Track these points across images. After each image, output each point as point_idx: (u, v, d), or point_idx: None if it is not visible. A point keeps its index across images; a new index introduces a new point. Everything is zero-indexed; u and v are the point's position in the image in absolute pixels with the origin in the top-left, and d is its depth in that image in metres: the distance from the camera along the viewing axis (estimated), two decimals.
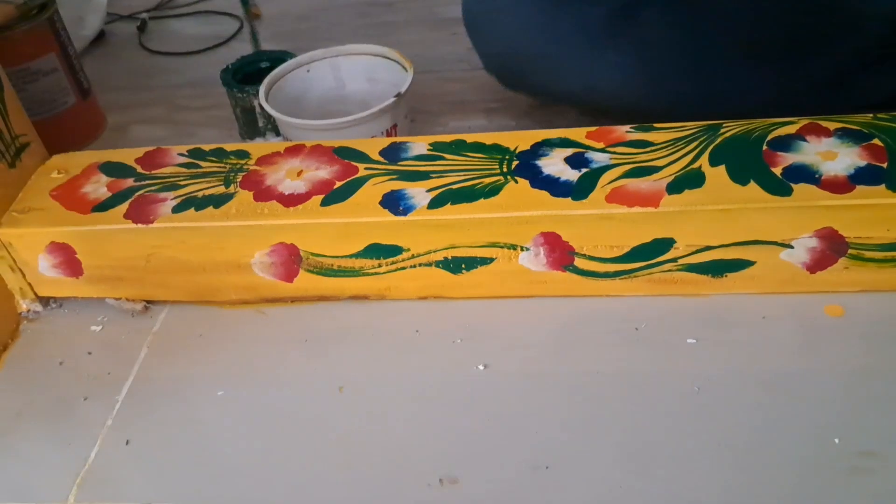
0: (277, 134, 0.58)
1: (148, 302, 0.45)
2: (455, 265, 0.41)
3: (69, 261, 0.43)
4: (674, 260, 0.39)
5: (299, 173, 0.42)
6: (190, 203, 0.41)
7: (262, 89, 0.54)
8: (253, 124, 0.59)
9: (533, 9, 0.50)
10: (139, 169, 0.44)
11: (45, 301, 0.46)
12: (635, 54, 0.48)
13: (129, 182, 0.43)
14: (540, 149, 0.42)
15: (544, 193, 0.39)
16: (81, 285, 0.44)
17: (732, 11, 0.46)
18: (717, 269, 0.39)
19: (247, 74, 0.61)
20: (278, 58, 0.60)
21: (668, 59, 0.47)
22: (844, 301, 0.40)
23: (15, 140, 0.45)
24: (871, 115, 0.41)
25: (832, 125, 0.41)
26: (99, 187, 0.44)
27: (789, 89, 0.42)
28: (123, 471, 0.36)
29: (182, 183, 0.43)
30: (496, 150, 0.42)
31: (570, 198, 0.38)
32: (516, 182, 0.40)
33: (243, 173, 0.43)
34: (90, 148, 0.64)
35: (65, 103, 0.62)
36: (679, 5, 0.47)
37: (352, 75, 0.59)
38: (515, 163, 0.41)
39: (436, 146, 0.43)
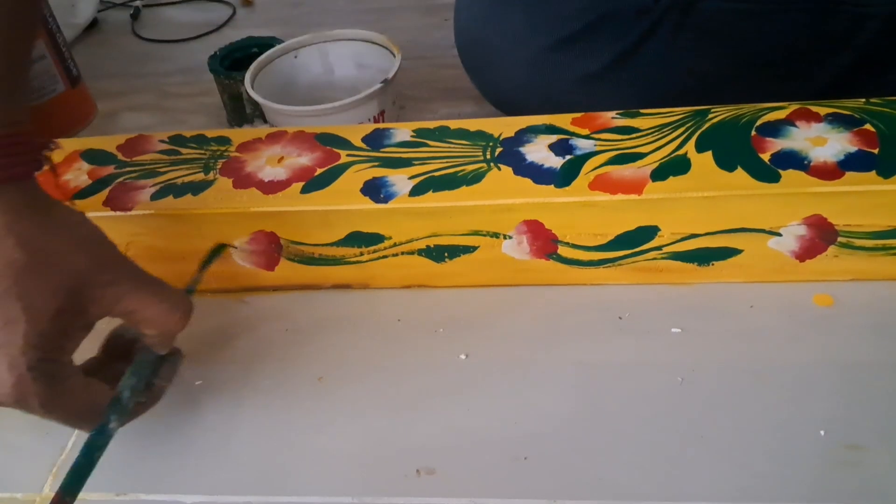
0: (265, 121, 0.57)
1: None
2: (438, 253, 0.40)
3: None
4: (658, 248, 0.38)
5: (280, 160, 0.42)
6: (169, 190, 0.41)
7: (247, 76, 0.54)
8: (240, 111, 0.59)
9: (530, 60, 0.50)
10: (120, 156, 0.44)
11: None
12: (634, 90, 0.48)
13: (110, 169, 0.43)
14: (524, 135, 0.41)
15: (527, 181, 0.38)
16: None
17: (735, 35, 0.46)
18: (703, 257, 0.39)
19: (236, 60, 0.60)
20: (267, 43, 0.60)
21: (668, 88, 0.47)
22: (834, 290, 0.39)
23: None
24: (863, 99, 0.40)
25: (823, 110, 0.40)
26: (80, 175, 0.43)
27: (792, 97, 0.42)
28: (100, 460, 0.36)
29: (162, 170, 0.42)
30: (480, 137, 0.41)
31: (553, 185, 0.38)
32: (499, 169, 0.39)
33: (223, 160, 0.42)
34: (80, 135, 0.64)
35: (53, 91, 0.61)
36: (680, 39, 0.46)
37: (340, 61, 0.58)
38: (499, 150, 0.40)
39: (419, 133, 0.43)
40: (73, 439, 0.37)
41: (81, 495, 0.35)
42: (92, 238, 0.32)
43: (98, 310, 0.31)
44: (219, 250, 0.41)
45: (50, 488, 0.35)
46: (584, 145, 0.40)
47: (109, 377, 0.33)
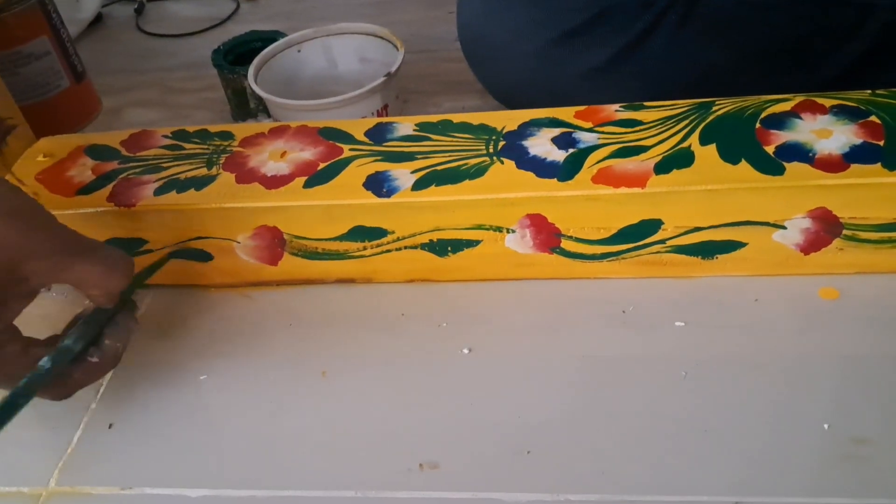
0: (269, 115, 0.57)
1: None
2: (441, 248, 0.40)
3: None
4: (662, 241, 0.38)
5: (283, 154, 0.42)
6: (172, 185, 0.41)
7: (251, 70, 0.53)
8: (244, 106, 0.59)
9: (534, 54, 0.50)
10: (124, 152, 0.44)
11: None
12: (639, 83, 0.48)
13: (114, 165, 0.43)
14: (527, 129, 0.41)
15: (530, 174, 0.38)
16: None
17: (740, 27, 0.46)
18: (708, 250, 0.38)
19: (239, 55, 0.60)
20: (271, 38, 0.60)
21: (673, 80, 0.46)
22: (839, 283, 0.39)
23: (1, 123, 0.45)
24: (869, 91, 0.40)
25: (828, 102, 0.39)
26: (84, 170, 0.43)
27: (798, 89, 0.42)
28: (106, 455, 0.36)
29: (165, 165, 0.42)
30: (483, 131, 0.41)
31: (555, 179, 0.38)
32: (502, 163, 0.39)
33: (226, 155, 0.42)
34: (85, 131, 0.64)
35: (58, 86, 0.61)
36: (684, 31, 0.46)
37: (343, 55, 0.58)
38: (502, 143, 0.40)
39: (422, 126, 0.43)
40: (80, 433, 0.37)
41: (88, 489, 0.35)
42: (25, 209, 0.32)
43: (37, 280, 0.32)
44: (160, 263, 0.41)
45: (56, 482, 0.35)
46: (587, 139, 0.40)
47: None
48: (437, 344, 0.39)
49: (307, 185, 0.40)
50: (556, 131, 0.40)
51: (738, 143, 0.38)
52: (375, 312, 0.41)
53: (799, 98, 0.40)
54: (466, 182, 0.38)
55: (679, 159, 0.37)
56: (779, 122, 0.39)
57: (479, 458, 0.34)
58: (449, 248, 0.40)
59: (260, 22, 0.76)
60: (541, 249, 0.40)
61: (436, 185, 0.38)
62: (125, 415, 0.38)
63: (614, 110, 0.41)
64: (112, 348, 0.35)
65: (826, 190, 0.36)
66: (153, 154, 0.43)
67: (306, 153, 0.42)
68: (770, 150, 0.37)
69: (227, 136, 0.44)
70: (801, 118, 0.39)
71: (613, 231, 0.38)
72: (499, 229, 0.39)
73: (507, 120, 0.42)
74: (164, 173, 0.42)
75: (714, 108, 0.40)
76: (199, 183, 0.40)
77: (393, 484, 0.33)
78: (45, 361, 0.33)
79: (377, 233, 0.40)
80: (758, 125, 0.39)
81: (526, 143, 0.40)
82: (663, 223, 0.37)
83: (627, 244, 0.39)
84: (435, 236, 0.40)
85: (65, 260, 0.32)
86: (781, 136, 0.38)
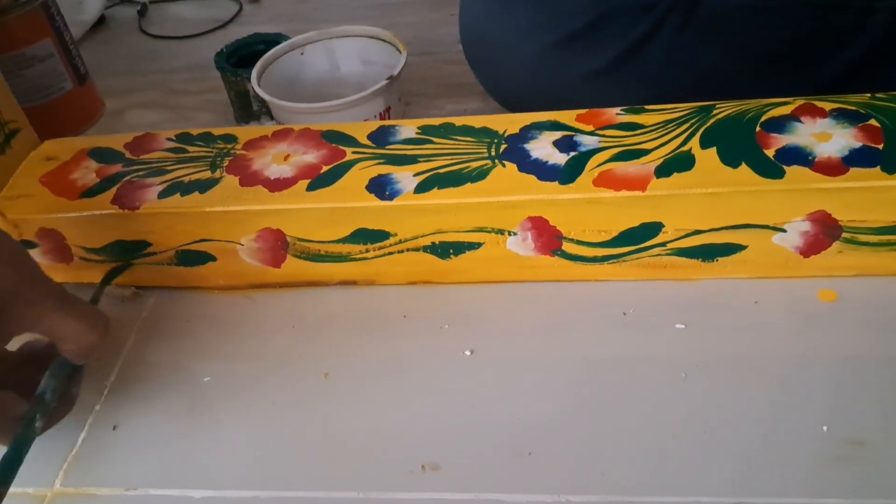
0: (272, 117, 0.57)
1: (137, 287, 0.45)
2: (443, 250, 0.41)
3: (59, 247, 0.43)
4: (663, 244, 0.38)
5: (286, 157, 0.42)
6: (176, 188, 0.41)
7: (254, 73, 0.54)
8: (247, 108, 0.59)
9: (535, 57, 0.51)
10: (128, 154, 0.44)
11: None
12: (640, 86, 0.48)
13: (118, 167, 0.43)
14: (529, 132, 0.41)
15: (531, 178, 0.38)
16: (72, 271, 0.44)
17: (740, 30, 0.46)
18: (708, 253, 0.39)
19: (242, 57, 0.61)
20: (273, 40, 0.60)
21: (674, 83, 0.47)
22: (838, 285, 0.39)
23: (4, 126, 0.45)
24: (868, 94, 0.40)
25: (828, 105, 0.40)
26: (88, 173, 0.43)
27: (798, 92, 0.42)
28: (110, 456, 0.37)
29: (169, 168, 0.42)
30: (485, 134, 0.42)
31: (557, 182, 0.38)
32: (504, 166, 0.39)
33: (230, 158, 0.42)
34: (87, 133, 0.64)
35: (61, 89, 0.62)
36: (685, 34, 0.46)
37: (346, 57, 0.58)
38: (504, 146, 0.41)
39: (424, 129, 0.43)
40: (84, 434, 0.38)
41: (92, 490, 0.35)
42: (16, 257, 0.33)
43: (18, 326, 0.32)
44: (119, 270, 0.42)
45: (61, 483, 0.36)
46: (588, 142, 0.40)
47: (21, 379, 0.34)
48: (439, 346, 0.39)
49: (310, 187, 0.40)
50: (558, 134, 0.41)
51: (738, 146, 0.38)
52: (378, 314, 0.41)
53: (799, 102, 0.40)
54: (468, 185, 0.39)
55: (679, 162, 0.37)
56: (779, 125, 0.39)
57: (480, 459, 0.34)
58: (451, 251, 0.41)
59: (263, 24, 0.76)
60: (542, 252, 0.40)
61: (438, 188, 0.39)
62: (129, 416, 0.38)
63: (615, 113, 0.41)
64: (75, 395, 0.36)
65: (825, 193, 0.36)
66: (157, 157, 0.44)
67: (309, 156, 0.42)
68: (770, 153, 0.37)
69: (231, 139, 0.44)
70: (800, 122, 0.39)
71: (614, 234, 0.38)
72: (500, 232, 0.39)
73: (509, 123, 0.42)
74: (167, 176, 0.42)
75: (714, 112, 0.40)
76: (203, 186, 0.41)
77: (395, 485, 0.33)
78: (39, 423, 0.33)
79: (379, 235, 0.40)
80: (758, 128, 0.39)
81: (527, 146, 0.40)
82: (664, 226, 0.38)
83: (628, 247, 0.39)
84: (437, 239, 0.40)
85: (47, 311, 0.32)
86: (781, 140, 0.38)
